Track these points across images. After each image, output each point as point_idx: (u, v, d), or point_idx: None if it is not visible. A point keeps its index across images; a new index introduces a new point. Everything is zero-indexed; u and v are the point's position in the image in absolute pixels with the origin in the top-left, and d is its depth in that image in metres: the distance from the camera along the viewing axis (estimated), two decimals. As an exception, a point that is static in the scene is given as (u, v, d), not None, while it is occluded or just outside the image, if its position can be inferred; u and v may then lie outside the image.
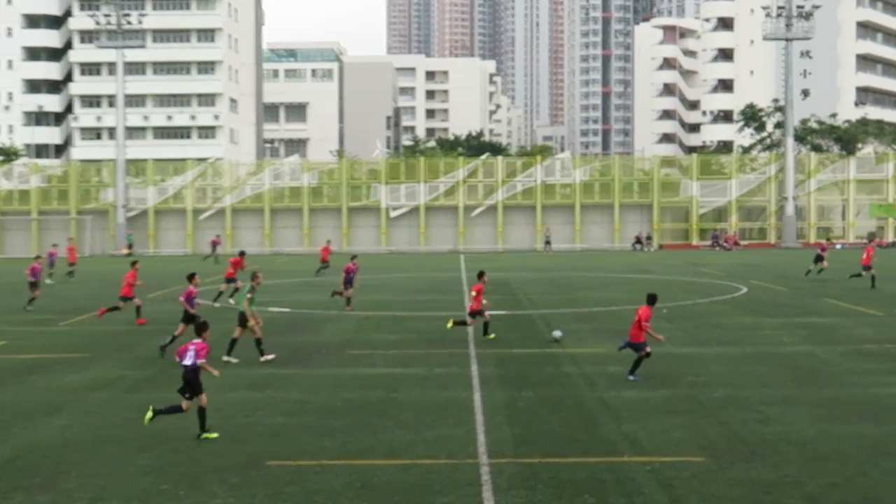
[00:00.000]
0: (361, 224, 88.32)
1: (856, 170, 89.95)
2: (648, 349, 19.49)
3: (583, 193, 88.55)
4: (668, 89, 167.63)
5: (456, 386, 19.14)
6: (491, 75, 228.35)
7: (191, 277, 24.67)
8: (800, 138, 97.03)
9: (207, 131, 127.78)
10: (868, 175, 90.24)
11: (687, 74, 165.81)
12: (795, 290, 40.44)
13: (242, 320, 22.37)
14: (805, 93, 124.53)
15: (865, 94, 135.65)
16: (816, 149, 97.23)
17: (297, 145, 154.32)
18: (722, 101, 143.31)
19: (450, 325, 25.45)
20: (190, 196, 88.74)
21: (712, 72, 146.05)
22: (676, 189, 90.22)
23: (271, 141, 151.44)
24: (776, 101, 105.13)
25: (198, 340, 15.39)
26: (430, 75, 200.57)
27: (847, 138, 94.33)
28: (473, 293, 25.28)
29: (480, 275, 26.00)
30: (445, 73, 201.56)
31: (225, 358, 22.08)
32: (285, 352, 23.56)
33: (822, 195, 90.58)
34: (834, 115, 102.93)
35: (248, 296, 22.52)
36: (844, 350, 23.29)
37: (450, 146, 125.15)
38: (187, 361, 15.02)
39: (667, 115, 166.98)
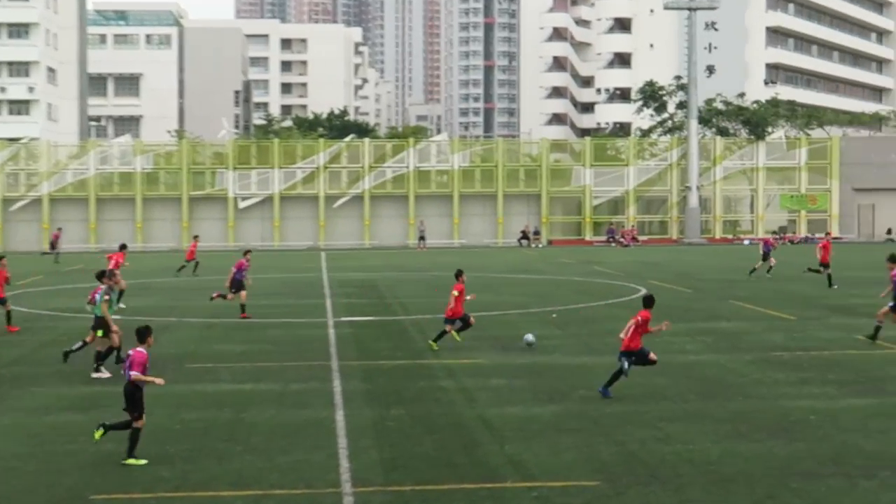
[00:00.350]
0: (205, 216, 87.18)
1: (765, 156, 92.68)
2: (654, 355, 19.60)
3: (462, 182, 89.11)
4: (559, 63, 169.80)
5: (315, 404, 19.06)
6: (357, 45, 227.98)
7: (100, 276, 24.22)
8: (704, 120, 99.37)
9: (20, 106, 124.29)
10: (779, 162, 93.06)
11: (579, 47, 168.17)
12: (699, 291, 41.44)
13: (99, 325, 22.51)
14: (710, 69, 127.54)
15: (776, 72, 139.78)
16: (723, 132, 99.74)
17: (128, 123, 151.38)
18: (618, 78, 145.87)
19: (457, 336, 25.61)
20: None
21: (608, 44, 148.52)
22: (568, 177, 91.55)
23: (98, 118, 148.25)
24: (678, 78, 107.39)
25: (139, 348, 15.30)
26: (286, 44, 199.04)
27: (756, 121, 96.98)
28: (455, 293, 25.26)
29: (459, 274, 26.10)
30: (304, 41, 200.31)
31: (94, 374, 22.18)
32: (113, 366, 23.13)
33: (728, 184, 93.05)
34: (742, 95, 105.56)
35: (106, 298, 22.78)
36: (752, 358, 23.96)
37: (309, 126, 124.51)
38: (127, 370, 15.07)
39: (557, 92, 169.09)
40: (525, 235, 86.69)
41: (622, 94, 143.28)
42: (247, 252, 35.51)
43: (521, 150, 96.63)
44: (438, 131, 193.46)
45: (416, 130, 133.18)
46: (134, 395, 15.02)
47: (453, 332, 25.59)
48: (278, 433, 16.64)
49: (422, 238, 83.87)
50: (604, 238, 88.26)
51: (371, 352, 25.44)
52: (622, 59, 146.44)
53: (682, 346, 26.12)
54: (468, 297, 25.78)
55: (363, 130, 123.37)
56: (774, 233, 50.54)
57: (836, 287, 41.37)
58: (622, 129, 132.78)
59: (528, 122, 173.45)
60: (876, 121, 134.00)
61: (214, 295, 34.20)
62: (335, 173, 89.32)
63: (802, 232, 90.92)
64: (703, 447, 15.66)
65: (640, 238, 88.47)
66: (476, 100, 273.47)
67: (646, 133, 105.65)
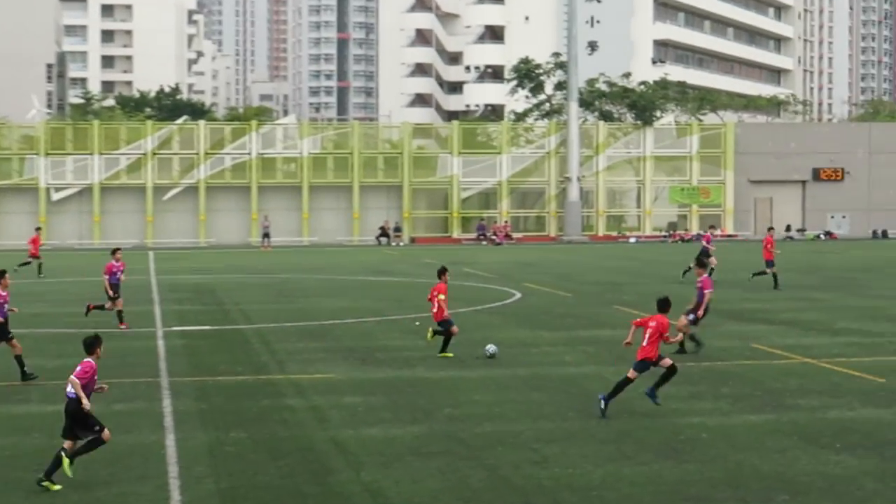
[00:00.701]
0: (11, 209, 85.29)
1: (653, 144, 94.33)
2: (670, 361, 19.78)
3: (312, 171, 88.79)
4: (423, 37, 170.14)
5: (142, 427, 18.82)
6: (190, 13, 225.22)
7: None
8: (586, 103, 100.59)
9: None
10: (668, 150, 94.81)
11: (446, 18, 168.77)
12: (580, 295, 41.98)
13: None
14: (592, 46, 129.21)
15: (665, 50, 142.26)
16: (606, 117, 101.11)
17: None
18: (490, 54, 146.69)
19: (430, 335, 26.53)
20: None
21: (478, 16, 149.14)
22: (433, 166, 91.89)
23: None
24: (557, 55, 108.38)
25: (88, 360, 15.33)
26: (108, 10, 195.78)
27: (643, 104, 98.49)
28: (441, 297, 25.86)
29: (443, 272, 26.55)
30: (128, 7, 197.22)
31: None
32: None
33: (613, 175, 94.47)
34: (627, 75, 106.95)
35: None
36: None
37: (135, 106, 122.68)
38: (70, 390, 15.09)
39: (421, 70, 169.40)
40: (384, 232, 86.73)
41: (494, 73, 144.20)
42: (115, 251, 34.70)
43: (380, 135, 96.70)
44: (285, 113, 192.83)
45: (259, 112, 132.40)
46: (77, 413, 15.10)
47: (429, 331, 26.57)
48: (98, 461, 16.35)
49: (266, 235, 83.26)
50: (473, 235, 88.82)
51: (207, 366, 25.19)
52: (494, 33, 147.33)
53: (561, 356, 26.43)
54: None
55: (198, 111, 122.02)
56: (712, 227, 50.92)
57: (780, 289, 42.52)
58: (494, 113, 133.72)
59: (387, 103, 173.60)
60: (774, 105, 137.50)
61: (90, 306, 33.29)
62: (165, 160, 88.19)
63: (694, 229, 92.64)
64: (585, 471, 15.84)
65: (515, 235, 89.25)
66: (328, 77, 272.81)
67: (521, 117, 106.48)
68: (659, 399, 19.67)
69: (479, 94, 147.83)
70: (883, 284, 46.50)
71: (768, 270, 43.94)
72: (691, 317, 26.28)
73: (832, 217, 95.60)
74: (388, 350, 27.60)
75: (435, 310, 26.18)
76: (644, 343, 19.39)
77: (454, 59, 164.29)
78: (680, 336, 20.03)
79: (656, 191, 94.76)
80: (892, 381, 22.61)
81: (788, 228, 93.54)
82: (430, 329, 26.84)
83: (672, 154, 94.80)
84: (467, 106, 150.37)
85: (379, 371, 24.46)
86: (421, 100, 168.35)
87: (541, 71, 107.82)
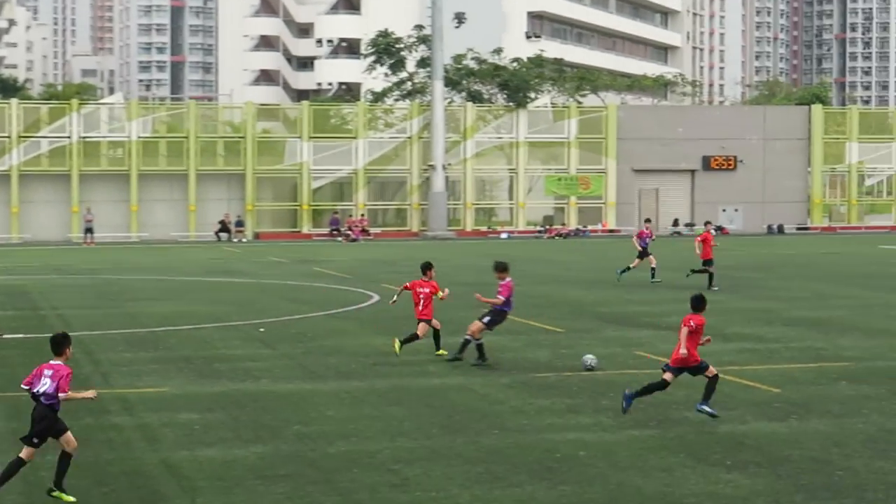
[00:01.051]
0: None
1: (527, 128, 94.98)
2: (713, 368, 20.16)
3: (142, 157, 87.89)
4: (269, 6, 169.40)
5: (-57, 450, 18.45)
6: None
7: None
8: (452, 82, 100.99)
9: None
10: (543, 136, 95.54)
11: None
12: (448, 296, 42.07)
13: None
14: (459, 18, 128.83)
15: (540, 23, 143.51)
16: (475, 98, 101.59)
17: None
18: (345, 26, 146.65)
19: (397, 346, 27.02)
20: None
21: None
22: (280, 152, 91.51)
23: None
24: (420, 28, 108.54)
25: (56, 361, 15.35)
26: None
27: (516, 84, 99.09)
28: (426, 292, 26.99)
29: (427, 268, 27.46)
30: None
31: None
32: None
33: (482, 163, 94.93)
34: (499, 51, 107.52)
35: None
36: (510, 381, 24.51)
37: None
38: (40, 389, 15.14)
39: (266, 43, 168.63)
40: (225, 227, 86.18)
41: (349, 47, 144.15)
42: None
43: (220, 116, 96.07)
44: (111, 91, 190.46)
45: (80, 89, 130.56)
46: (47, 418, 15.28)
47: (396, 342, 27.12)
48: None
49: (89, 231, 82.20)
50: (326, 231, 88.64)
51: (19, 379, 24.73)
52: (349, 3, 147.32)
53: (424, 366, 26.49)
54: (440, 295, 27.50)
55: (9, 88, 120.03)
56: (647, 220, 51.26)
57: (716, 289, 43.14)
58: (349, 92, 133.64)
59: (228, 80, 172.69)
60: (661, 86, 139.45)
61: None
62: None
63: (573, 223, 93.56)
64: (450, 494, 15.90)
65: (372, 231, 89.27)
66: (161, 51, 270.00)
67: (379, 97, 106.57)
68: (714, 410, 20.25)
69: (333, 72, 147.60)
70: (778, 285, 47.37)
71: (707, 269, 44.84)
72: (486, 319, 26.65)
73: (724, 210, 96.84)
74: (229, 360, 27.42)
75: (421, 308, 26.99)
76: (678, 347, 19.96)
77: (304, 31, 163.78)
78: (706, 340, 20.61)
79: (531, 181, 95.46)
80: (789, 392, 23.05)
81: (676, 223, 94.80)
82: (397, 340, 27.35)
83: (548, 140, 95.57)
84: (319, 84, 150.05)
85: (218, 384, 24.30)
86: (266, 77, 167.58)
87: (402, 45, 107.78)
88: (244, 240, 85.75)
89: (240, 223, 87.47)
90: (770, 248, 75.80)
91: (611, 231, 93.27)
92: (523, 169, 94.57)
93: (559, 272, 50.47)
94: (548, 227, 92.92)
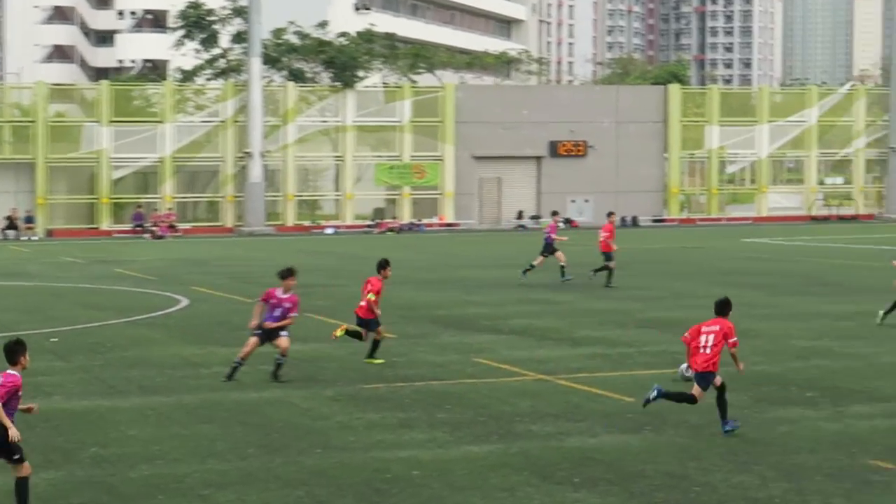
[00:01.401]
0: None
1: (356, 111, 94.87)
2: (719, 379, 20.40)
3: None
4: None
5: None
6: None
7: None
8: (272, 59, 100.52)
9: None
10: (374, 119, 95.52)
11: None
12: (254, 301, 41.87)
13: None
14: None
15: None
16: (297, 76, 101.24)
17: None
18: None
19: (340, 332, 27.77)
20: None
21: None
22: (76, 139, 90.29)
23: None
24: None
25: (11, 371, 15.25)
26: None
27: (343, 61, 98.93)
28: (372, 297, 27.59)
29: (383, 266, 28.43)
30: None
31: None
32: None
33: (305, 150, 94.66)
34: (323, 25, 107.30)
35: None
36: (335, 394, 24.47)
37: None
38: None
39: (60, 14, 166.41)
40: (12, 223, 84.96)
41: (155, 20, 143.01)
42: None
43: (7, 98, 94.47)
44: None
45: None
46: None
47: (339, 332, 27.89)
48: None
49: None
50: (129, 227, 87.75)
51: None
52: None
53: (239, 379, 26.32)
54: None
55: None
56: (555, 213, 51.23)
57: (592, 275, 45.11)
58: (155, 70, 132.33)
59: (16, 57, 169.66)
60: (503, 64, 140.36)
61: None
62: None
63: (406, 216, 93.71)
64: (267, 521, 15.88)
65: (181, 226, 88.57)
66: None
67: (189, 76, 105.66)
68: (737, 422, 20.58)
69: (136, 47, 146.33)
70: (631, 283, 47.83)
71: (609, 264, 45.93)
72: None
73: (573, 201, 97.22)
74: (16, 374, 26.97)
75: (363, 303, 27.63)
76: (705, 352, 20.36)
77: (104, 1, 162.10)
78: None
79: (359, 170, 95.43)
80: (642, 401, 23.34)
81: (520, 215, 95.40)
82: (345, 326, 27.92)
83: (379, 124, 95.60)
84: (120, 62, 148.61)
85: (3, 401, 23.90)
86: (60, 53, 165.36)
87: (215, 18, 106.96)
88: (34, 237, 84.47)
89: (29, 219, 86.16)
90: (623, 242, 76.30)
91: (448, 225, 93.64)
92: (351, 156, 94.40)
93: (404, 272, 50.47)
94: (378, 220, 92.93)
